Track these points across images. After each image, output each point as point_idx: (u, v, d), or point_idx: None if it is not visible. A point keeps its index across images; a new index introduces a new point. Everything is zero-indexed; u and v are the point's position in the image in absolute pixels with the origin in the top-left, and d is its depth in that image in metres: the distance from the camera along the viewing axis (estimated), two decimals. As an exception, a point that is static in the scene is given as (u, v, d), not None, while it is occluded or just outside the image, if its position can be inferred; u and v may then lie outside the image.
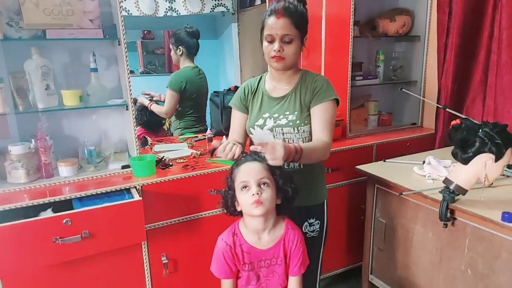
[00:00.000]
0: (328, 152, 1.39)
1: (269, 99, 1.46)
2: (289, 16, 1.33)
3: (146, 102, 2.64)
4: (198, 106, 2.65)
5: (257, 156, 1.21)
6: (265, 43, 1.37)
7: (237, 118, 1.53)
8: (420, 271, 1.68)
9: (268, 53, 1.37)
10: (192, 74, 2.60)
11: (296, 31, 1.35)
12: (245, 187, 1.17)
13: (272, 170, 1.20)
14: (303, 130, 1.42)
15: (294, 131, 1.42)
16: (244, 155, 1.27)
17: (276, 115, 1.44)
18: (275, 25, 1.32)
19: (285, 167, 1.44)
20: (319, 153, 1.35)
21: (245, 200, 1.17)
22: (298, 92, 1.44)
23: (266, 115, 1.45)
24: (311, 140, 1.43)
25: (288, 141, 1.43)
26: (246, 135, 1.53)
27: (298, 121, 1.41)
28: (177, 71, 2.65)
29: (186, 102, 2.58)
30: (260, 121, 1.45)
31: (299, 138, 1.43)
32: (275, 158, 1.14)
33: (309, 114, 1.43)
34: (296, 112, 1.42)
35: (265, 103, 1.47)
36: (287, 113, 1.43)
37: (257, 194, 1.15)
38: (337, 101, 1.44)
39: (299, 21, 1.36)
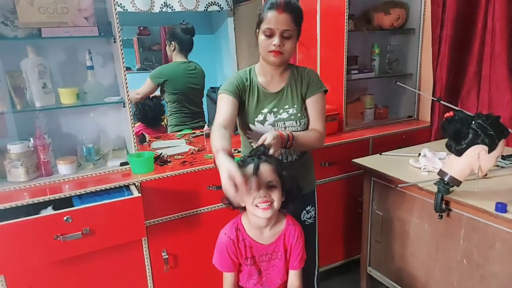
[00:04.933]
0: (322, 141, 1.47)
1: (265, 94, 1.47)
2: (290, 12, 1.33)
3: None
4: (189, 102, 2.64)
5: (267, 156, 1.21)
6: (262, 37, 1.36)
7: (228, 102, 1.40)
8: (417, 262, 1.71)
9: (266, 47, 1.36)
10: (179, 70, 2.58)
11: (295, 27, 1.36)
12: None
13: (280, 172, 1.21)
14: (304, 122, 1.47)
15: (296, 124, 1.45)
16: (254, 154, 1.24)
17: (275, 109, 1.45)
18: (276, 19, 1.32)
19: (284, 160, 1.48)
20: (312, 141, 1.43)
21: (251, 201, 1.18)
22: (294, 85, 1.47)
23: (265, 110, 1.46)
24: None
25: None
26: (235, 122, 1.45)
27: (299, 114, 1.45)
28: (163, 65, 2.65)
29: (172, 97, 2.58)
30: (260, 117, 1.46)
31: (300, 130, 1.46)
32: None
33: (306, 107, 1.48)
34: (295, 105, 1.46)
35: (261, 98, 1.47)
36: (287, 106, 1.45)
37: (265, 196, 1.16)
38: (325, 91, 1.51)
39: (298, 17, 1.37)
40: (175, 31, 2.60)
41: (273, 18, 1.32)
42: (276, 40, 1.33)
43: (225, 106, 1.40)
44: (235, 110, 1.41)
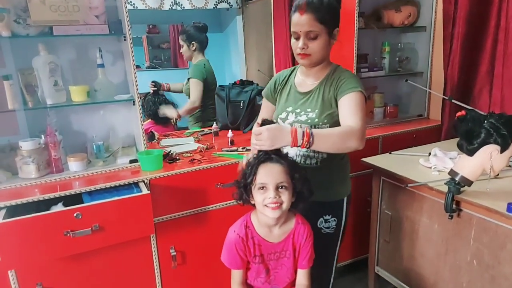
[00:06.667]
0: (356, 139, 1.24)
1: (295, 93, 1.47)
2: (313, 11, 1.29)
3: (174, 114, 2.65)
4: (213, 99, 2.68)
5: (279, 157, 1.21)
6: (292, 40, 1.37)
7: (265, 107, 1.59)
8: (426, 262, 1.69)
9: (294, 49, 1.37)
10: (209, 67, 2.70)
11: (321, 26, 1.31)
12: (263, 187, 1.18)
13: (292, 174, 1.20)
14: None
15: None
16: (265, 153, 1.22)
17: (298, 110, 1.43)
18: (298, 21, 1.31)
19: (302, 163, 1.43)
20: (338, 138, 1.24)
21: (261, 200, 1.19)
22: (323, 88, 1.41)
23: (290, 109, 1.45)
24: None
25: None
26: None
27: (316, 120, 1.38)
28: (196, 63, 2.71)
29: (208, 93, 2.64)
30: (283, 115, 1.46)
31: None
32: (262, 144, 1.17)
33: (330, 114, 1.38)
34: (317, 110, 1.39)
35: (291, 96, 1.47)
36: (309, 110, 1.41)
37: (275, 198, 1.17)
38: (363, 95, 1.35)
39: (325, 15, 1.31)
40: (192, 31, 2.67)
41: (296, 21, 1.32)
42: (300, 43, 1.33)
43: (262, 110, 1.61)
44: (271, 112, 1.56)
